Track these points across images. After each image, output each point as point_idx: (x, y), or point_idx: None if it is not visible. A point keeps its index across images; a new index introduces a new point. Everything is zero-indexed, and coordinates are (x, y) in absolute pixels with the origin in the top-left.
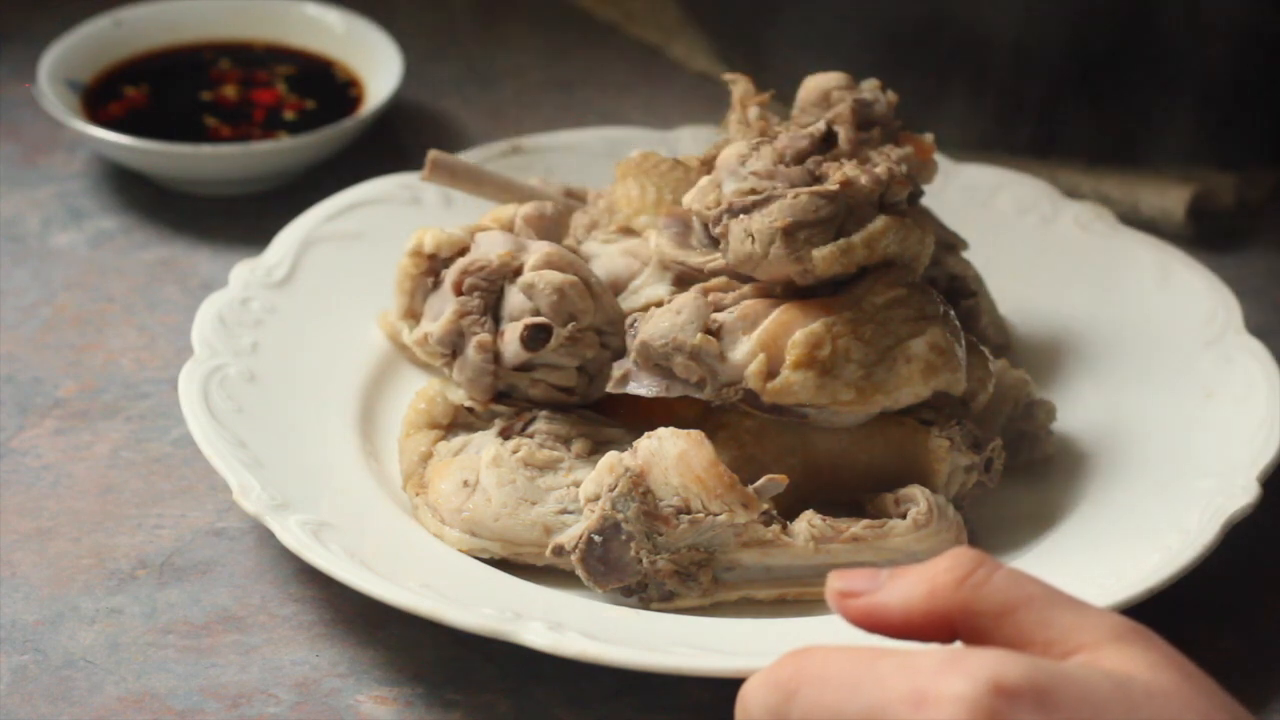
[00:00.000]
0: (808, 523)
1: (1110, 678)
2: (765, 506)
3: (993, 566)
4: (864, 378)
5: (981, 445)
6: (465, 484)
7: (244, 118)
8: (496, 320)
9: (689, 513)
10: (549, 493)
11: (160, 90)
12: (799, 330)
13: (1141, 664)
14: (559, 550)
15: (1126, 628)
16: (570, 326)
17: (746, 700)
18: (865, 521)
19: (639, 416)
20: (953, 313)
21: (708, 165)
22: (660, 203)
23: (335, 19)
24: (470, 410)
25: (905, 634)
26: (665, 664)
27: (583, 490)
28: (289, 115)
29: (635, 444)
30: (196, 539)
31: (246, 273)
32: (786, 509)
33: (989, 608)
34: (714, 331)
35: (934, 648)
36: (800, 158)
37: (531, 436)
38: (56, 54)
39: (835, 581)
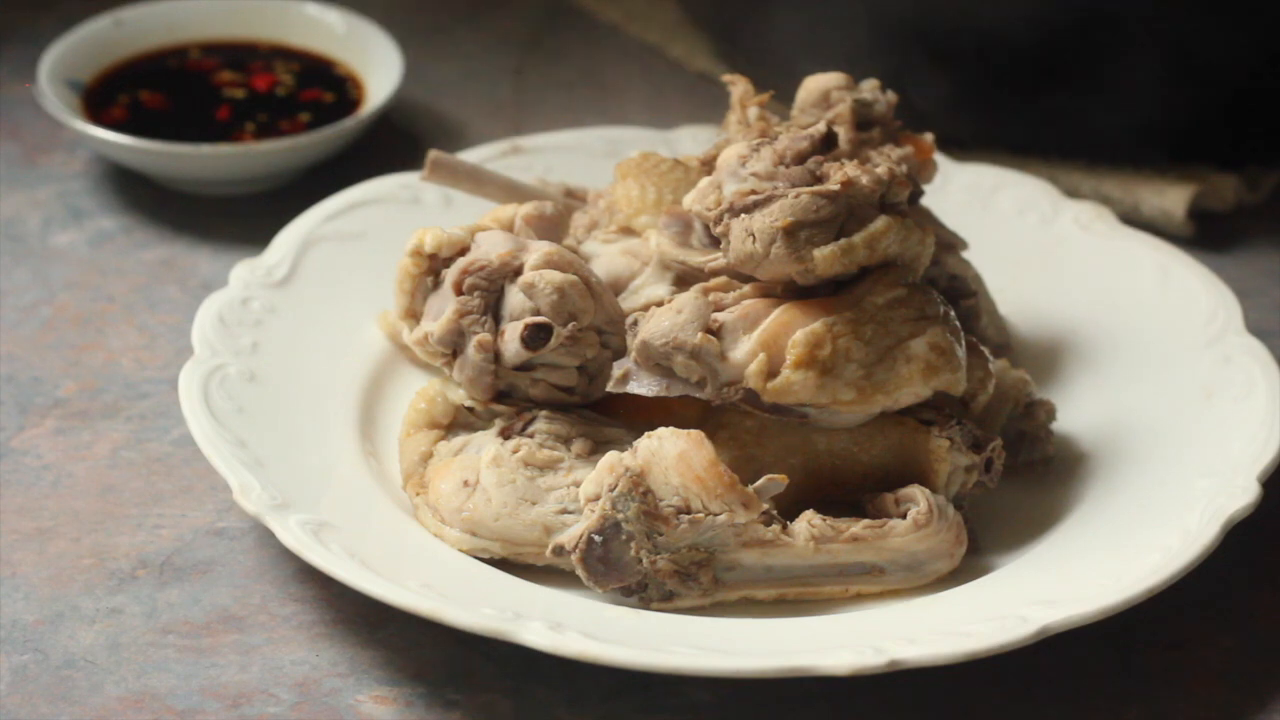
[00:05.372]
0: (808, 523)
1: None
2: (765, 506)
3: None
4: (864, 378)
5: (981, 445)
6: (465, 484)
7: (250, 116)
8: (497, 320)
9: (689, 513)
10: (549, 493)
11: (167, 91)
12: (799, 330)
13: None
14: (559, 550)
15: None
16: (571, 326)
17: None
18: (865, 521)
19: (639, 416)
20: (953, 313)
21: (708, 165)
22: (660, 203)
23: (335, 19)
24: (470, 410)
25: None
26: (665, 664)
27: (583, 490)
28: (304, 117)
29: (635, 444)
30: (196, 539)
31: (246, 273)
32: (786, 509)
33: None
34: (715, 331)
35: None
36: (800, 158)
37: (532, 436)
38: (56, 54)
39: None
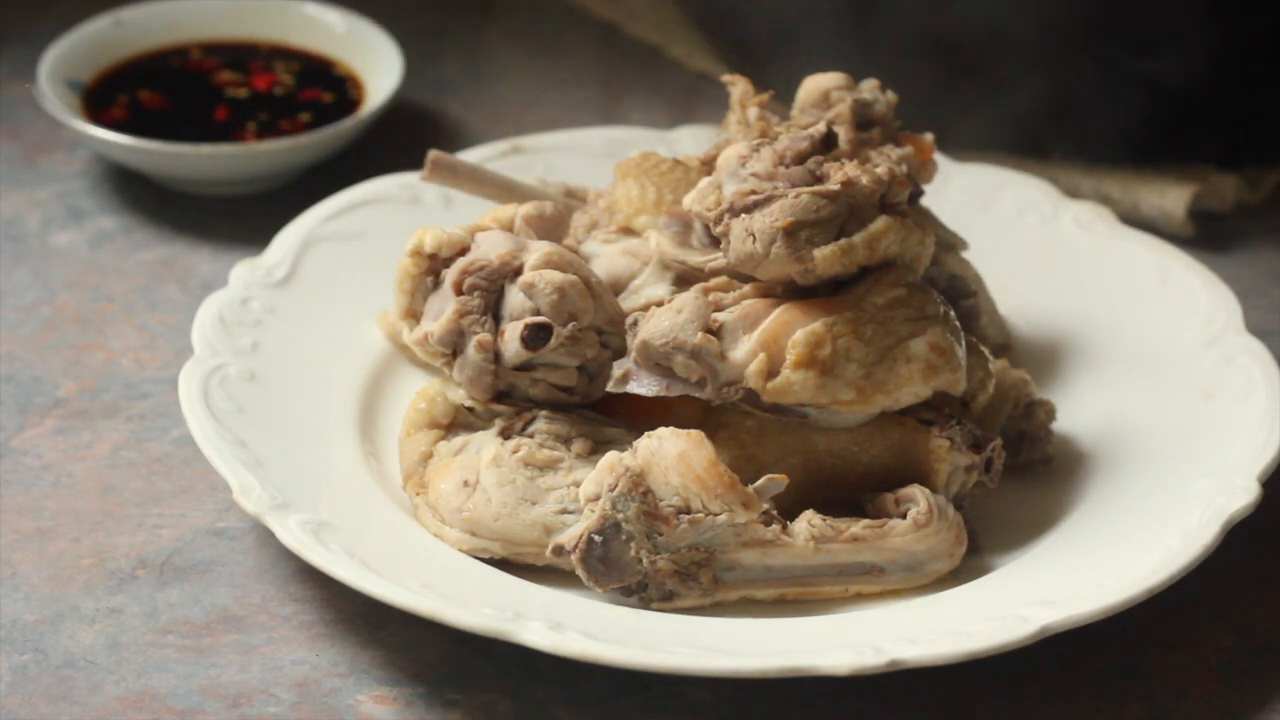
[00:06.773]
0: (808, 523)
1: None
2: (765, 506)
3: None
4: (864, 377)
5: (981, 445)
6: (465, 484)
7: (250, 116)
8: (497, 320)
9: (689, 513)
10: (549, 493)
11: (167, 91)
12: (800, 330)
13: None
14: (559, 550)
15: None
16: (570, 326)
17: None
18: (865, 521)
19: (639, 416)
20: (953, 313)
21: (708, 165)
22: (660, 203)
23: (335, 19)
24: (470, 410)
25: None
26: (665, 664)
27: (583, 490)
28: (304, 117)
29: (635, 444)
30: (196, 539)
31: (246, 273)
32: (786, 509)
33: None
34: (715, 331)
35: None
36: (801, 158)
37: (532, 436)
38: (56, 54)
39: None
